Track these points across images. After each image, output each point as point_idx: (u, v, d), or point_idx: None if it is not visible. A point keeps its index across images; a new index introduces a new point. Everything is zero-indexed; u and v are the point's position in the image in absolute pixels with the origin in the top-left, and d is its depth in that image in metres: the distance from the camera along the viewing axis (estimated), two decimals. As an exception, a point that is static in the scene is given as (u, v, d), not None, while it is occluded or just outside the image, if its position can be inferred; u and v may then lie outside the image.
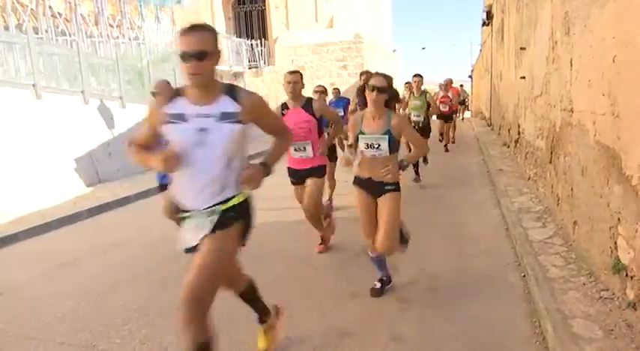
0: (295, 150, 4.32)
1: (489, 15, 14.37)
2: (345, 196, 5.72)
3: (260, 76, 19.62)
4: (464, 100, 19.96)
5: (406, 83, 9.55)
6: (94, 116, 9.78)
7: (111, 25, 15.60)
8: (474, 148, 11.91)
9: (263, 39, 20.36)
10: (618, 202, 3.10)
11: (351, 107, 7.08)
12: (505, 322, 3.16)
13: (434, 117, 9.15)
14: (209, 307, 2.13)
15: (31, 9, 13.49)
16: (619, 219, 3.10)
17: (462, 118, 20.82)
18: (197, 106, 2.19)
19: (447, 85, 11.99)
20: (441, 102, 11.20)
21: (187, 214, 2.28)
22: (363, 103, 3.45)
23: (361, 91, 3.52)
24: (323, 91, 6.51)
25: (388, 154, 3.29)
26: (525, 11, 7.41)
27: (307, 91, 4.78)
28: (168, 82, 4.29)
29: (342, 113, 7.21)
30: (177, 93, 2.27)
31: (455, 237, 4.99)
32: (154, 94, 4.13)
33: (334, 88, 8.95)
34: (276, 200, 6.07)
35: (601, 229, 3.42)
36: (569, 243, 4.22)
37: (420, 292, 3.68)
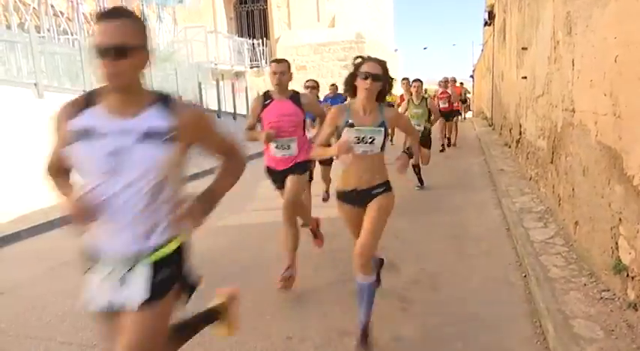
0: (278, 148, 3.78)
1: (491, 15, 14.38)
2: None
3: (262, 76, 19.61)
4: (465, 99, 19.91)
5: (403, 79, 8.88)
6: (96, 115, 9.80)
7: (113, 25, 15.62)
8: (476, 148, 11.89)
9: (265, 38, 20.41)
10: (619, 202, 3.10)
11: None
12: (506, 322, 3.16)
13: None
14: None
15: (33, 8, 13.54)
16: (620, 219, 3.10)
17: (464, 118, 20.74)
18: (114, 119, 1.63)
19: (447, 82, 11.90)
20: (440, 98, 11.18)
21: (99, 260, 1.71)
22: (351, 93, 2.93)
23: (350, 80, 2.91)
24: (315, 87, 6.00)
25: (380, 150, 2.87)
26: (527, 11, 7.40)
27: (300, 89, 4.51)
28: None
29: None
30: (88, 100, 1.69)
31: (456, 237, 4.99)
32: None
33: (332, 84, 8.67)
34: (275, 200, 6.03)
35: (602, 230, 3.42)
36: (571, 243, 4.22)
37: (421, 292, 3.68)
